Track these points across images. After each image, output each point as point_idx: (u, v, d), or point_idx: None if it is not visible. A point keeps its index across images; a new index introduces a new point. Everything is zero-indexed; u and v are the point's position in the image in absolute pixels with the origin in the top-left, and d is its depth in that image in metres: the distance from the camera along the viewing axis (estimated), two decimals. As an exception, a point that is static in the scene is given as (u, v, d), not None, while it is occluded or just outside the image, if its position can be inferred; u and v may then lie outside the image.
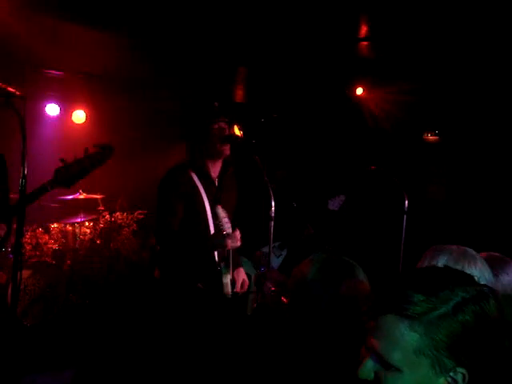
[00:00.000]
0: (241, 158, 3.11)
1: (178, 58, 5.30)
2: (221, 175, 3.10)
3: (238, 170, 3.24)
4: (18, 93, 2.29)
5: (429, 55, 5.01)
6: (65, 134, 6.36)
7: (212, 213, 2.95)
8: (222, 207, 2.90)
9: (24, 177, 2.25)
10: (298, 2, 3.90)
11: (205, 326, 2.91)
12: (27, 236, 5.13)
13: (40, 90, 5.82)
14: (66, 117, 6.42)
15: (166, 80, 5.91)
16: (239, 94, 6.87)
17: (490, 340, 1.01)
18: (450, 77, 5.54)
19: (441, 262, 1.63)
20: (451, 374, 1.00)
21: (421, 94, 5.87)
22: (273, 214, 2.74)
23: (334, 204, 4.47)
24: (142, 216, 6.12)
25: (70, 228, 5.56)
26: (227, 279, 2.96)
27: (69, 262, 5.39)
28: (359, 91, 6.45)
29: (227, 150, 2.99)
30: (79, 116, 6.48)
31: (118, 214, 5.98)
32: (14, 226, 2.44)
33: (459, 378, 1.00)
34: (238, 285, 3.08)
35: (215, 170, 3.07)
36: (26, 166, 2.28)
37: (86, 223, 5.71)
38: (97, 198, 5.84)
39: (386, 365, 1.02)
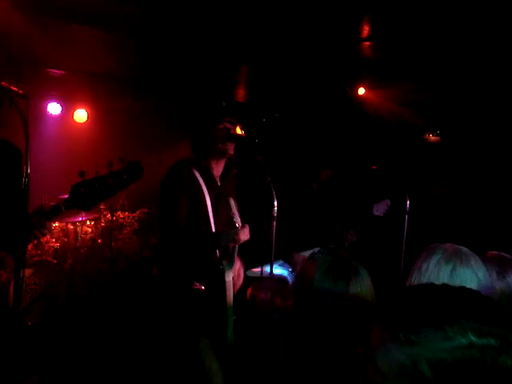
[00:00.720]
0: (244, 157, 3.11)
1: (179, 58, 5.30)
2: (223, 175, 3.10)
3: (240, 170, 3.24)
4: (20, 92, 2.29)
5: (430, 55, 5.01)
6: (66, 133, 6.36)
7: (213, 211, 2.96)
8: (223, 206, 2.90)
9: (27, 176, 2.24)
10: (301, 1, 3.90)
11: (200, 326, 2.91)
12: (28, 235, 5.13)
13: (42, 89, 5.81)
14: (68, 116, 6.42)
15: (167, 79, 5.91)
16: (241, 94, 6.86)
17: None
18: (451, 77, 5.54)
19: (433, 262, 1.62)
20: None
21: (422, 94, 5.86)
22: (275, 214, 2.73)
23: (379, 209, 4.33)
24: (143, 215, 6.12)
25: (72, 227, 5.56)
26: (230, 277, 2.96)
27: (70, 260, 5.39)
28: (361, 91, 6.45)
29: (231, 149, 2.99)
30: (81, 115, 6.48)
31: (119, 213, 5.98)
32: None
33: None
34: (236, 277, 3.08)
35: (218, 169, 3.08)
36: (28, 165, 2.27)
37: (88, 222, 5.71)
38: (98, 197, 5.83)
39: (374, 364, 0.99)
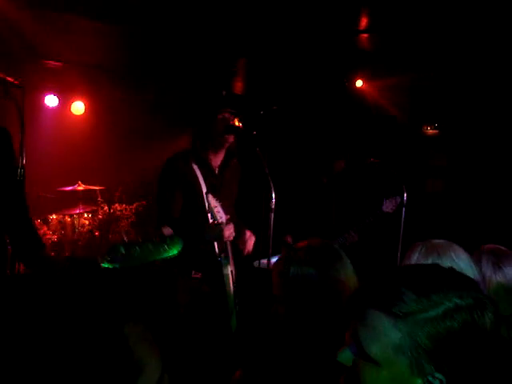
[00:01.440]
0: (242, 149, 3.10)
1: (178, 49, 5.28)
2: (222, 166, 3.10)
3: (239, 162, 3.24)
4: (16, 82, 2.28)
5: (428, 47, 5.00)
6: (64, 125, 6.35)
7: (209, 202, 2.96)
8: (221, 198, 2.89)
9: (22, 167, 2.24)
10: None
11: (203, 317, 2.92)
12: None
13: (39, 81, 5.79)
14: (65, 108, 6.40)
15: (165, 71, 5.89)
16: (239, 86, 6.85)
17: (475, 352, 0.96)
18: (449, 69, 5.53)
19: (413, 260, 1.64)
20: (429, 378, 0.96)
21: (420, 86, 5.86)
22: (273, 206, 2.73)
23: (388, 206, 4.22)
24: (140, 208, 6.12)
25: (69, 219, 5.56)
26: (228, 271, 2.96)
27: (67, 253, 5.39)
28: (359, 83, 6.44)
29: (231, 138, 2.99)
30: (78, 107, 6.47)
31: (116, 205, 5.98)
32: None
33: (436, 383, 0.96)
34: (246, 248, 3.10)
35: (217, 160, 3.07)
36: (24, 155, 2.27)
37: (85, 215, 5.71)
38: (96, 190, 5.84)
39: (364, 355, 1.00)
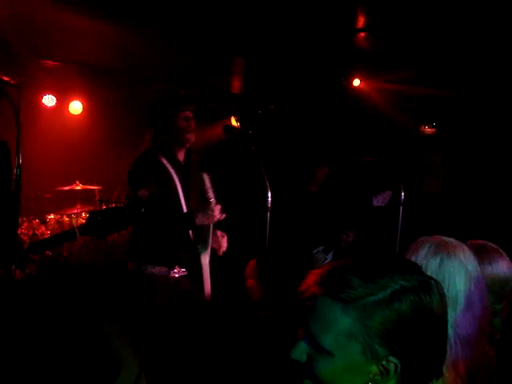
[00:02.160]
0: (238, 149, 3.12)
1: (176, 49, 5.28)
2: (186, 162, 3.12)
3: (235, 161, 3.25)
4: (12, 81, 2.27)
5: (425, 46, 5.00)
6: (61, 125, 6.34)
7: (184, 195, 2.97)
8: (190, 190, 2.91)
9: (18, 166, 2.23)
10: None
11: (185, 316, 2.92)
12: (24, 227, 5.12)
13: (36, 80, 5.79)
14: (63, 108, 6.39)
15: (162, 70, 5.89)
16: (236, 86, 6.85)
17: (426, 333, 0.97)
18: (446, 68, 5.53)
19: (420, 256, 1.59)
20: (383, 362, 0.96)
21: (417, 85, 5.86)
22: (269, 205, 2.74)
23: (379, 200, 4.23)
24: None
25: (67, 219, 5.55)
26: (206, 260, 2.97)
27: (65, 253, 5.38)
28: (356, 82, 6.44)
29: (192, 138, 3.01)
30: (76, 107, 6.46)
31: (114, 205, 5.97)
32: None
33: (391, 367, 0.96)
34: (220, 248, 3.10)
35: (181, 155, 3.10)
36: (20, 155, 2.26)
37: (83, 214, 5.70)
38: (94, 189, 5.83)
39: (317, 347, 0.99)
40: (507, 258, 1.93)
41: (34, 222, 5.25)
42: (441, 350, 1.02)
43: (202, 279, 2.93)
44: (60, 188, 5.55)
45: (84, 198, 5.77)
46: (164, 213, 2.90)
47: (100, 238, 2.31)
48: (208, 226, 2.96)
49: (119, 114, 6.25)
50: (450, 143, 6.37)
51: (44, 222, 5.43)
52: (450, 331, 1.45)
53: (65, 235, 2.29)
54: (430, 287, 0.99)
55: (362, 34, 4.89)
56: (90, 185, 5.70)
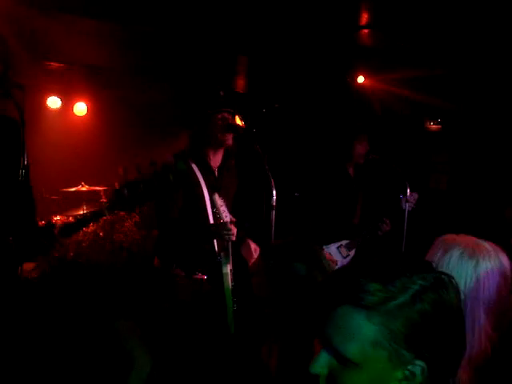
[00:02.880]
0: (242, 147, 3.10)
1: (179, 49, 5.28)
2: (221, 166, 3.09)
3: (239, 160, 3.23)
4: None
5: (431, 43, 4.98)
6: (66, 127, 6.37)
7: (211, 202, 2.95)
8: (220, 196, 2.89)
9: (23, 167, 2.23)
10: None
11: (204, 317, 2.92)
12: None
13: (41, 82, 5.81)
14: (68, 109, 6.42)
15: (167, 71, 5.89)
16: (240, 84, 6.84)
17: (450, 330, 0.95)
18: (451, 64, 5.50)
19: (454, 257, 1.57)
20: (409, 367, 0.93)
21: (423, 82, 5.84)
22: (274, 203, 2.73)
23: (410, 204, 4.07)
24: (145, 208, 6.12)
25: (73, 220, 5.55)
26: (227, 269, 2.96)
27: (72, 253, 5.40)
28: (360, 80, 6.42)
29: (229, 139, 2.98)
30: (80, 108, 6.48)
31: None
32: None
33: (417, 370, 0.94)
34: (251, 259, 3.06)
35: (216, 160, 3.06)
36: (25, 156, 2.26)
37: (89, 215, 5.71)
38: (99, 190, 5.84)
39: (341, 359, 0.95)
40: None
41: (39, 223, 5.26)
42: (462, 345, 1.00)
43: (222, 288, 2.92)
44: (65, 189, 5.56)
45: (90, 199, 5.79)
46: (183, 227, 2.89)
47: (129, 212, 2.27)
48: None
49: (124, 115, 6.27)
50: (455, 140, 6.34)
51: (50, 223, 5.44)
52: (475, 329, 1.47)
53: (93, 215, 2.25)
54: (445, 283, 0.97)
55: (366, 31, 4.87)
56: (96, 186, 5.72)
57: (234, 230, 2.86)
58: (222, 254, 2.95)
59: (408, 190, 4.09)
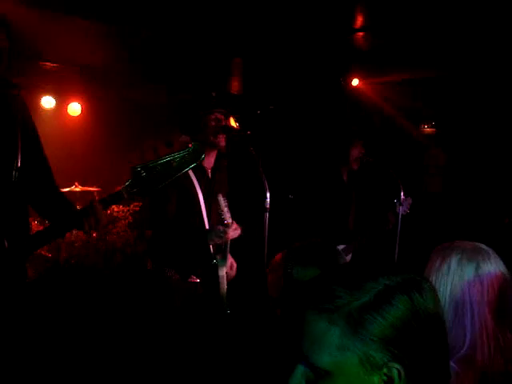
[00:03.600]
0: (236, 149, 3.10)
1: (174, 50, 5.28)
2: (214, 167, 3.09)
3: (233, 162, 3.23)
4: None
5: (425, 46, 5.00)
6: (60, 127, 6.34)
7: (206, 204, 2.95)
8: (215, 201, 2.89)
9: (17, 169, 2.22)
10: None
11: (198, 320, 2.92)
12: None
13: (35, 82, 5.78)
14: (62, 109, 6.39)
15: (161, 72, 5.88)
16: (235, 86, 6.84)
17: (423, 332, 0.91)
18: (445, 67, 5.52)
19: (454, 261, 1.57)
20: (385, 370, 0.88)
21: (417, 85, 5.86)
22: (268, 206, 2.73)
23: (405, 208, 4.02)
24: (137, 208, 6.11)
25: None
26: (223, 272, 2.95)
27: (64, 254, 5.37)
28: (355, 82, 6.43)
29: (222, 141, 2.97)
30: (75, 108, 6.46)
31: (113, 206, 5.96)
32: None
33: (394, 374, 0.88)
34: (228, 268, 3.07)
35: (209, 161, 3.06)
36: (19, 158, 2.25)
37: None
38: (93, 191, 5.83)
39: (314, 369, 0.90)
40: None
41: (32, 223, 5.24)
42: (442, 349, 0.96)
43: (218, 290, 2.92)
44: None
45: (83, 199, 5.77)
46: (177, 230, 2.88)
47: (147, 195, 2.23)
48: (226, 242, 2.94)
49: (118, 116, 6.25)
50: (450, 142, 6.36)
51: (43, 223, 5.42)
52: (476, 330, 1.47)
53: (113, 197, 2.22)
54: (418, 285, 0.92)
55: (361, 34, 4.88)
56: (90, 186, 5.70)
57: (231, 231, 2.85)
58: (217, 256, 2.94)
59: (402, 195, 4.08)
